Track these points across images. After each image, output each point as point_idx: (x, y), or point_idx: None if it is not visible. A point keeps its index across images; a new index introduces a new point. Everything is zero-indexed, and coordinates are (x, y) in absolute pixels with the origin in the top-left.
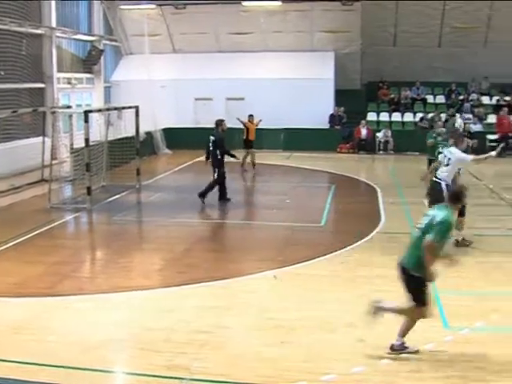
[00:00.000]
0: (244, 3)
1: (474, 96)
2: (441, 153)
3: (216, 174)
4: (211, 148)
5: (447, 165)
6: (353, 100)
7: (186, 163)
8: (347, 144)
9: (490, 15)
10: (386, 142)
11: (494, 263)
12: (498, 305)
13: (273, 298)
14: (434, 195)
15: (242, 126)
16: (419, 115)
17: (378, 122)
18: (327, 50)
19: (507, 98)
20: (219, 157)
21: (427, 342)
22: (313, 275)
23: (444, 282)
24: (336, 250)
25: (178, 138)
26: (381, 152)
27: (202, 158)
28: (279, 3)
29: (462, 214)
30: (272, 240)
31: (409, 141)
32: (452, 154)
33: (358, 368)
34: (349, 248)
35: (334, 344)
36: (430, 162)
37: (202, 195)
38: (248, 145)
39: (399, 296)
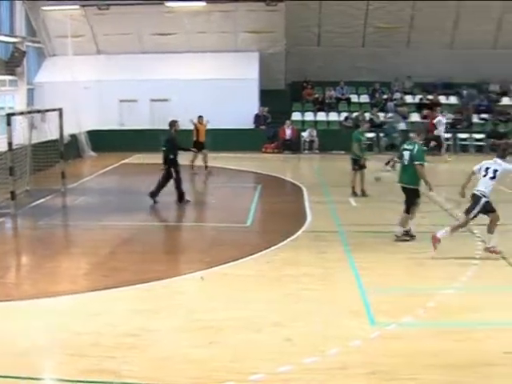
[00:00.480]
0: (168, 4)
1: (397, 95)
2: (405, 149)
3: (175, 173)
4: (164, 148)
5: (493, 177)
6: (277, 100)
7: (111, 165)
8: (272, 144)
9: (412, 15)
10: (311, 141)
11: (419, 260)
12: (424, 300)
13: (200, 299)
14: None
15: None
16: (344, 114)
17: (303, 122)
18: (251, 51)
19: (430, 97)
20: (171, 157)
21: (354, 339)
22: (239, 275)
23: (370, 279)
24: (262, 250)
25: (103, 141)
26: (306, 151)
27: (128, 161)
28: (203, 4)
29: (408, 211)
30: (199, 241)
31: (334, 140)
32: (499, 165)
33: (284, 367)
34: (275, 247)
35: (261, 343)
36: (355, 161)
37: (180, 199)
38: (198, 146)
39: (325, 294)
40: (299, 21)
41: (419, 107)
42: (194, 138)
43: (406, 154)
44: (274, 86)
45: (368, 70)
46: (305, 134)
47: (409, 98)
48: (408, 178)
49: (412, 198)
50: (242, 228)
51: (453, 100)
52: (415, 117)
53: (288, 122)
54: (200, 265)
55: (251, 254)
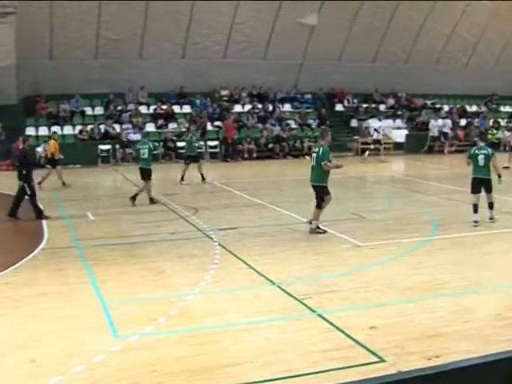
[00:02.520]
0: None
1: (131, 106)
2: (313, 152)
3: (28, 189)
4: (17, 164)
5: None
6: (10, 115)
7: None
8: (7, 161)
9: (144, 26)
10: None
11: (159, 268)
12: (165, 308)
13: None
14: None
15: None
16: (79, 128)
17: (38, 137)
18: None
19: (164, 107)
20: (24, 172)
21: (98, 354)
22: None
23: (111, 292)
24: None
25: None
26: None
27: None
28: None
29: (319, 206)
30: None
31: (70, 154)
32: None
33: None
34: (13, 268)
35: (5, 368)
36: (147, 171)
37: (39, 216)
38: (53, 163)
39: (67, 312)
40: (30, 33)
41: (154, 117)
42: (49, 155)
43: (314, 157)
44: (5, 101)
45: (101, 81)
46: (40, 149)
47: (143, 109)
48: (316, 176)
49: (321, 194)
50: None
51: (186, 109)
52: (151, 127)
53: (21, 138)
54: None
55: None
